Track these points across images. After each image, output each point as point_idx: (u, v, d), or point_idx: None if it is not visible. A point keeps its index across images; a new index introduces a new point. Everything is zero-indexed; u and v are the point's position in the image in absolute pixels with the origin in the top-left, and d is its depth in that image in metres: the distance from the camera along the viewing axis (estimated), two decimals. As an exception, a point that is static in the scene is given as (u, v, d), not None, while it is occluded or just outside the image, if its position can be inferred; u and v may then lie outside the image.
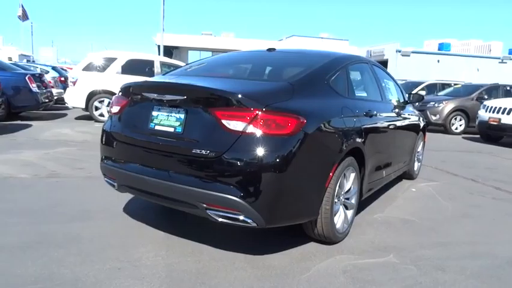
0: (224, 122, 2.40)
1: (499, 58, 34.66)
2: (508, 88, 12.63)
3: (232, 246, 2.91)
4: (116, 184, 2.95)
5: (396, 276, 2.63)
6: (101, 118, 9.80)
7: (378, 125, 3.55)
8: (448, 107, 11.85)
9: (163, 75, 3.54)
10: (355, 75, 3.49)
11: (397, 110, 4.25)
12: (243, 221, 2.44)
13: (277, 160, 2.38)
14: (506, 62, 33.93)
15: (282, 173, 2.40)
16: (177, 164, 2.56)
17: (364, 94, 3.68)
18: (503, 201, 4.68)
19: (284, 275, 2.54)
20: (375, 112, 3.50)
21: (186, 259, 2.68)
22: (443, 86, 15.17)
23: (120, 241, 2.92)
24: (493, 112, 9.69)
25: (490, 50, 46.37)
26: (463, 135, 11.86)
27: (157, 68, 10.08)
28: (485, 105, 10.17)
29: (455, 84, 15.02)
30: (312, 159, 2.60)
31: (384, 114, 3.81)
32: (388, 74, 4.50)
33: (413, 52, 32.79)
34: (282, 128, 2.41)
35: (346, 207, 3.17)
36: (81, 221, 3.26)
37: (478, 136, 10.99)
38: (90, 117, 10.00)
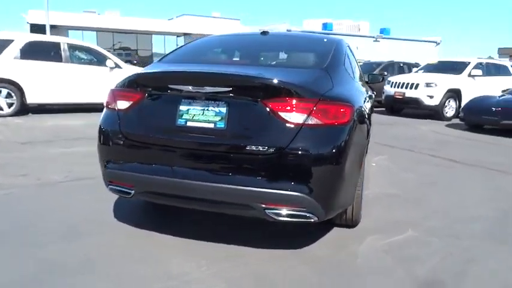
0: (282, 114, 2.23)
1: (373, 37, 38.44)
2: (401, 65, 14.17)
3: (261, 242, 2.73)
4: (132, 192, 2.53)
5: (429, 249, 2.78)
6: (-1, 112, 8.34)
7: (371, 106, 3.67)
8: (355, 83, 12.80)
9: (159, 62, 3.06)
10: (349, 59, 3.53)
11: (370, 90, 4.44)
12: (303, 216, 2.32)
13: (339, 150, 2.31)
14: (379, 41, 37.79)
15: (343, 163, 2.34)
16: (224, 163, 2.32)
17: (356, 77, 3.75)
18: (446, 168, 5.28)
19: (338, 265, 2.51)
20: (370, 94, 3.61)
21: (232, 264, 2.47)
22: (344, 64, 16.31)
23: (141, 256, 2.56)
24: (398, 87, 10.77)
25: (359, 29, 50.93)
26: (368, 109, 12.98)
27: (64, 51, 8.86)
28: (389, 81, 11.23)
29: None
30: (358, 145, 2.58)
31: (369, 95, 3.94)
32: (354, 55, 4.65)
33: (301, 32, 34.48)
34: (339, 117, 2.32)
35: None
36: (75, 239, 2.74)
37: (383, 109, 12.14)
38: (-18, 112, 8.46)
